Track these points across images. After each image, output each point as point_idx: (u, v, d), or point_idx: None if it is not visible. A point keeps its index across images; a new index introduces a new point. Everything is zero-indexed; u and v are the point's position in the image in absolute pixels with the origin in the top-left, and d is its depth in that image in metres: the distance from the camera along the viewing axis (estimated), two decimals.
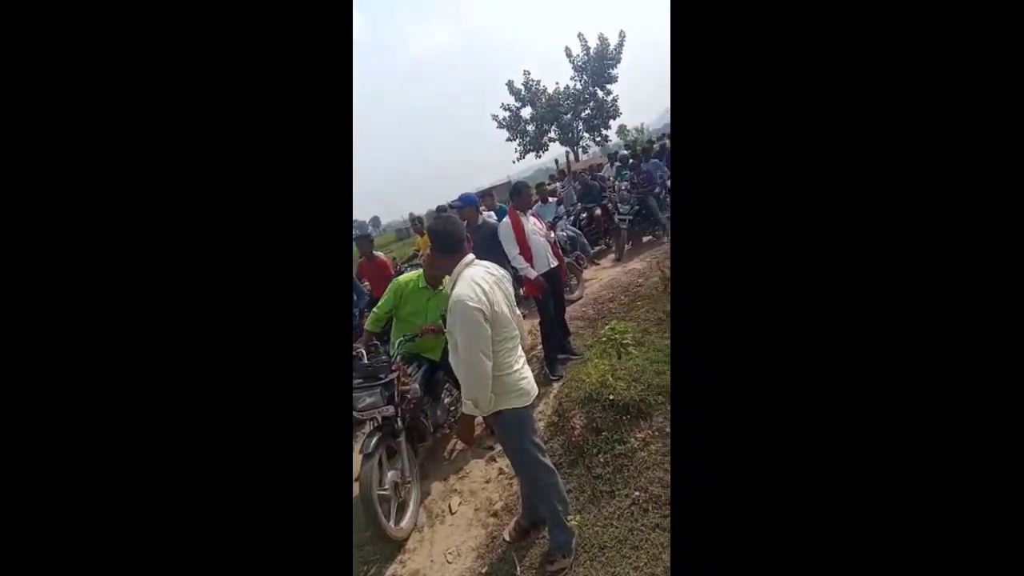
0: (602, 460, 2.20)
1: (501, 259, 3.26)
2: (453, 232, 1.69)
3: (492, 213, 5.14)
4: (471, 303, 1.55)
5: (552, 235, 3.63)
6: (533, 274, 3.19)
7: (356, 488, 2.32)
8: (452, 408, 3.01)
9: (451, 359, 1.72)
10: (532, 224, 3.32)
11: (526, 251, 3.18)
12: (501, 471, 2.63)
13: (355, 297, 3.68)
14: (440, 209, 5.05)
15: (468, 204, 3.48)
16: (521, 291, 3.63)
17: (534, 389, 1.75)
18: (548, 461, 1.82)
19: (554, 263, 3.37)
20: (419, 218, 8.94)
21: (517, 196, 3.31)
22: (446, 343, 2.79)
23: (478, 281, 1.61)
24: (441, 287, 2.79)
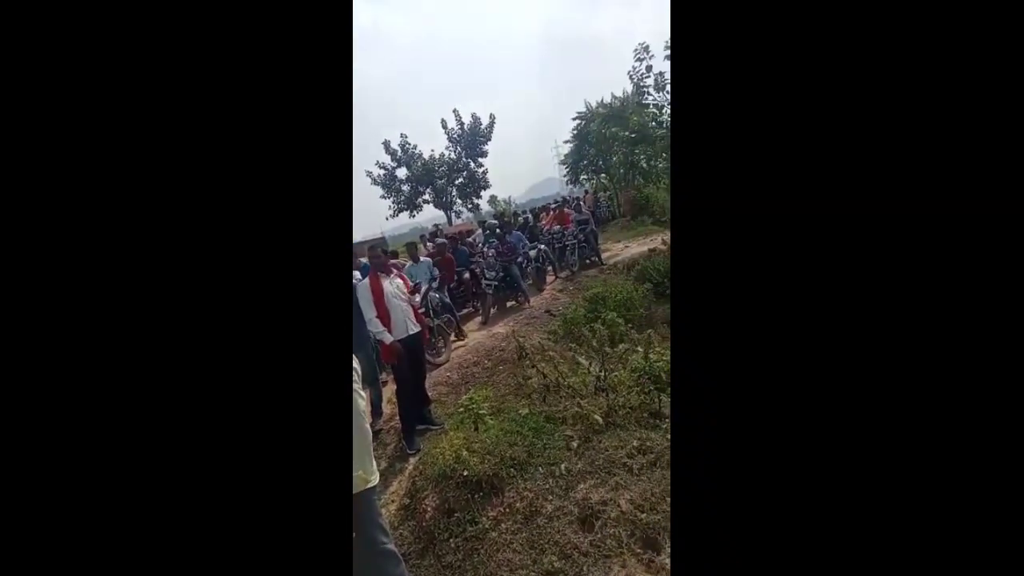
0: (453, 545, 2.07)
1: (359, 321, 3.09)
2: None
3: (356, 273, 4.91)
4: (352, 364, 1.47)
5: (416, 298, 3.54)
6: (389, 339, 3.07)
7: None
8: None
9: None
10: (394, 286, 3.21)
11: (383, 314, 3.07)
12: None
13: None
14: None
15: None
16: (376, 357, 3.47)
17: (376, 473, 1.61)
18: (395, 549, 1.65)
19: (415, 329, 3.26)
20: None
21: (374, 259, 3.24)
22: None
23: None
24: None
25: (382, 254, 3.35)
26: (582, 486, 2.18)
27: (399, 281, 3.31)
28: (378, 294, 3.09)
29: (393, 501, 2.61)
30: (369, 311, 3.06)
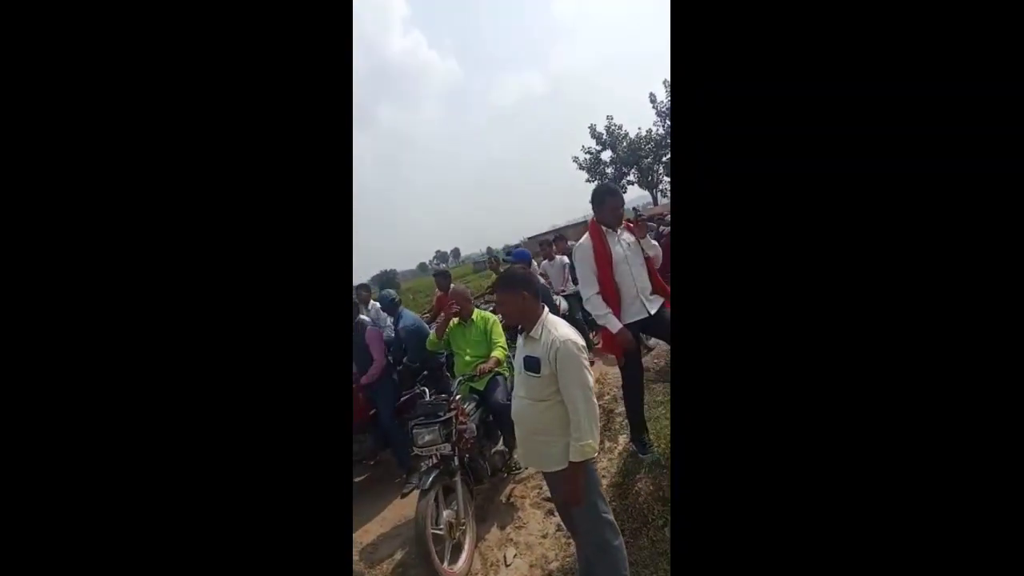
0: (667, 535, 2.04)
1: None
2: (536, 280, 1.79)
3: (563, 257, 5.19)
4: (580, 342, 1.62)
5: (657, 251, 2.31)
6: (617, 326, 2.11)
7: (412, 525, 2.36)
8: (508, 451, 2.99)
9: (520, 404, 1.73)
10: (625, 243, 2.21)
11: (609, 287, 2.12)
12: (559, 527, 2.53)
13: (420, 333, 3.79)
14: (492, 257, 5.16)
15: (521, 260, 3.52)
16: (596, 343, 2.81)
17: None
18: (614, 519, 1.73)
19: (654, 308, 2.19)
20: (496, 254, 9.28)
21: (599, 205, 2.18)
22: (490, 378, 2.83)
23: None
24: (472, 321, 2.95)
25: (610, 196, 2.25)
26: None
27: (628, 236, 2.25)
28: (602, 257, 2.12)
29: (604, 477, 2.72)
30: (589, 283, 2.14)
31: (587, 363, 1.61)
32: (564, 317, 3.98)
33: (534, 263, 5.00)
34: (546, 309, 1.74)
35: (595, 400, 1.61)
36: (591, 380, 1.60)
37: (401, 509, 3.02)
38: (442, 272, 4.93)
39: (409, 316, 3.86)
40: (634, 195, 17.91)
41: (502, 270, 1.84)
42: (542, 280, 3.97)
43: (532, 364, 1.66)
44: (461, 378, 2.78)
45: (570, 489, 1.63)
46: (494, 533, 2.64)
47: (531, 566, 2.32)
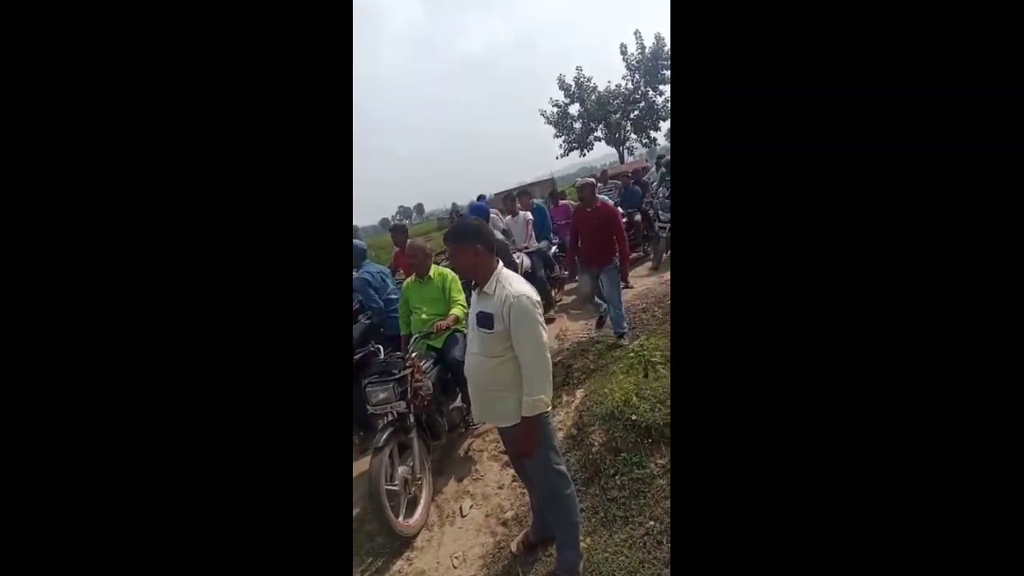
0: (619, 482, 2.12)
1: None
2: (490, 233, 1.70)
3: (527, 213, 5.10)
4: (535, 297, 1.58)
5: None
6: None
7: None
8: (466, 407, 3.00)
9: (474, 359, 1.69)
10: None
11: None
12: (515, 478, 2.59)
13: (391, 285, 3.68)
14: (455, 213, 5.17)
15: (478, 215, 3.44)
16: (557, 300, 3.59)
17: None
18: (566, 470, 1.77)
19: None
20: (459, 210, 9.01)
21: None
22: (449, 335, 2.80)
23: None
24: (430, 277, 2.88)
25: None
26: None
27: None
28: None
29: (560, 430, 2.79)
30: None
31: (541, 319, 1.58)
32: (525, 275, 3.95)
33: (496, 217, 4.89)
34: (500, 263, 1.67)
35: (548, 356, 1.59)
36: (544, 336, 1.58)
37: (361, 466, 3.01)
38: (399, 227, 4.72)
39: (374, 267, 3.66)
40: (601, 153, 17.77)
41: None
42: (502, 236, 3.89)
43: (485, 320, 1.60)
44: (417, 335, 2.72)
45: (523, 443, 1.64)
46: (451, 486, 2.68)
47: (487, 516, 2.38)
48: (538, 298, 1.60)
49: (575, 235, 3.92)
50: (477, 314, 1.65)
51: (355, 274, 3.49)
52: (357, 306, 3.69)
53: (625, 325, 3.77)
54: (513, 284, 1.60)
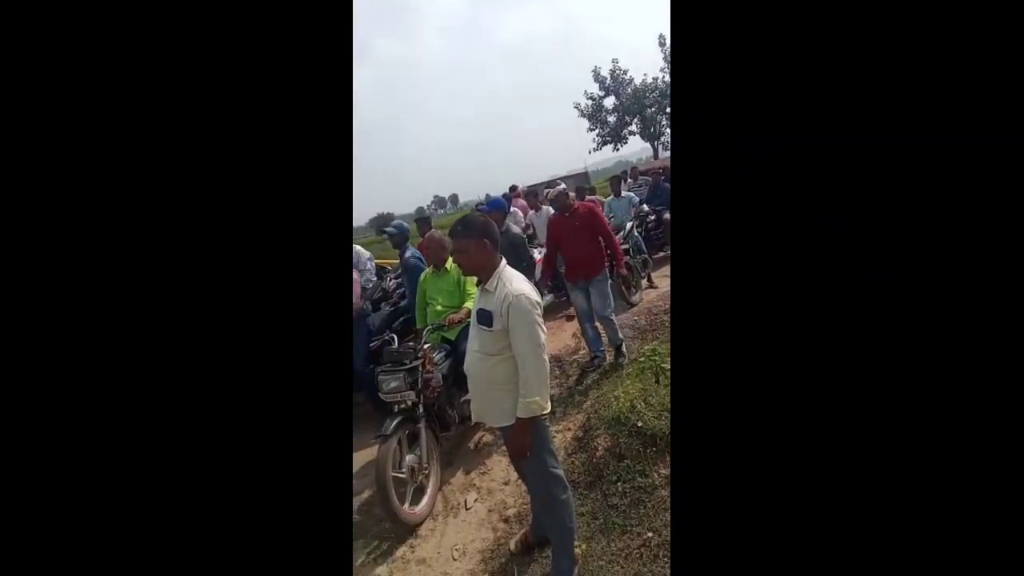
0: (620, 489, 2.11)
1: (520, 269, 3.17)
2: (494, 229, 1.69)
3: (550, 208, 5.06)
4: (534, 297, 1.57)
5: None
6: None
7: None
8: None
9: (473, 357, 1.69)
10: None
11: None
12: None
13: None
14: (479, 206, 5.10)
15: (495, 209, 3.43)
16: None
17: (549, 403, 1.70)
18: (562, 474, 1.75)
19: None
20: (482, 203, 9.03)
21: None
22: (462, 328, 2.82)
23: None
24: (446, 269, 2.88)
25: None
26: None
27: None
28: None
29: (569, 430, 2.79)
30: None
31: (540, 319, 1.56)
32: None
33: (518, 213, 4.87)
34: (503, 261, 1.66)
35: (545, 357, 1.57)
36: (543, 337, 1.55)
37: (373, 451, 3.11)
38: (423, 218, 4.80)
39: (414, 252, 3.62)
40: (636, 147, 17.37)
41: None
42: (518, 230, 3.86)
43: (484, 318, 1.60)
44: (431, 327, 2.76)
45: (516, 444, 1.64)
46: (459, 478, 2.73)
47: (489, 511, 2.42)
48: (538, 298, 1.59)
49: (554, 247, 3.44)
50: (478, 311, 1.65)
51: (405, 255, 3.55)
52: (395, 286, 3.75)
53: (603, 348, 3.38)
54: (514, 283, 1.59)
